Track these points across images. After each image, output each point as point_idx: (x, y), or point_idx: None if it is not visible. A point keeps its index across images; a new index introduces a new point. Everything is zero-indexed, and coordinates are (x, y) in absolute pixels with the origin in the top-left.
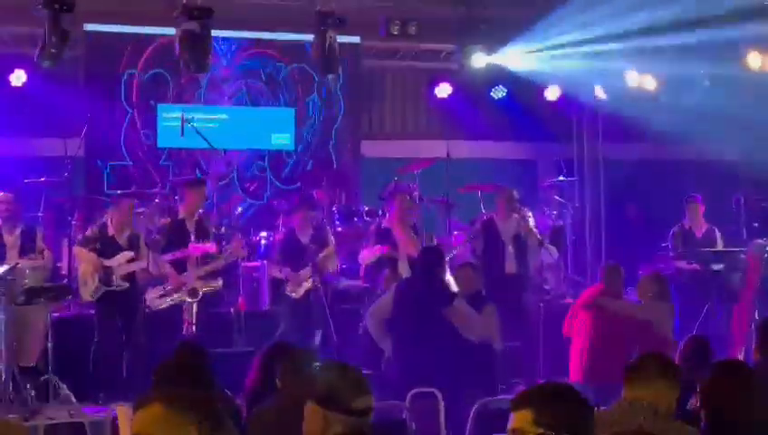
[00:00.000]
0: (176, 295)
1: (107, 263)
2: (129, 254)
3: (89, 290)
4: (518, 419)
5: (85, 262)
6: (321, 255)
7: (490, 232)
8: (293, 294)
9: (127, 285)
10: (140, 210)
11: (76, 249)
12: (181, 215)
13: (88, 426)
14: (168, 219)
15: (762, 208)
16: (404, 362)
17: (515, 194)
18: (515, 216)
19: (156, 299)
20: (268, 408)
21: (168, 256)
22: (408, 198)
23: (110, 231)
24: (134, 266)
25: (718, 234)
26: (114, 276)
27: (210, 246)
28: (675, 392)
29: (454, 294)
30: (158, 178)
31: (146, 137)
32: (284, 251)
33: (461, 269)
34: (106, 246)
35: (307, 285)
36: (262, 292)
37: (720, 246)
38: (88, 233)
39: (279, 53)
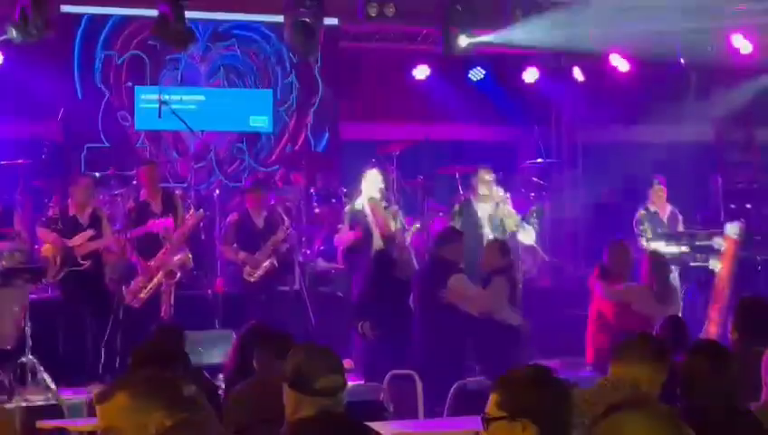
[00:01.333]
0: (154, 281)
1: (68, 243)
2: (89, 232)
3: (52, 271)
4: (489, 402)
5: (47, 242)
6: (273, 237)
7: (467, 213)
8: (251, 278)
9: (88, 263)
10: (118, 192)
11: (39, 230)
12: (143, 197)
13: (65, 408)
14: (133, 203)
15: (739, 190)
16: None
17: (492, 175)
18: (493, 197)
19: (135, 297)
20: (246, 389)
21: (129, 235)
22: (380, 174)
23: (71, 211)
24: (95, 245)
25: (680, 217)
26: (77, 256)
27: (167, 221)
28: (659, 375)
29: (450, 274)
30: (135, 161)
31: (123, 119)
32: (238, 233)
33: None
34: (68, 226)
35: (266, 266)
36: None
37: (681, 228)
38: (49, 213)
39: (257, 34)
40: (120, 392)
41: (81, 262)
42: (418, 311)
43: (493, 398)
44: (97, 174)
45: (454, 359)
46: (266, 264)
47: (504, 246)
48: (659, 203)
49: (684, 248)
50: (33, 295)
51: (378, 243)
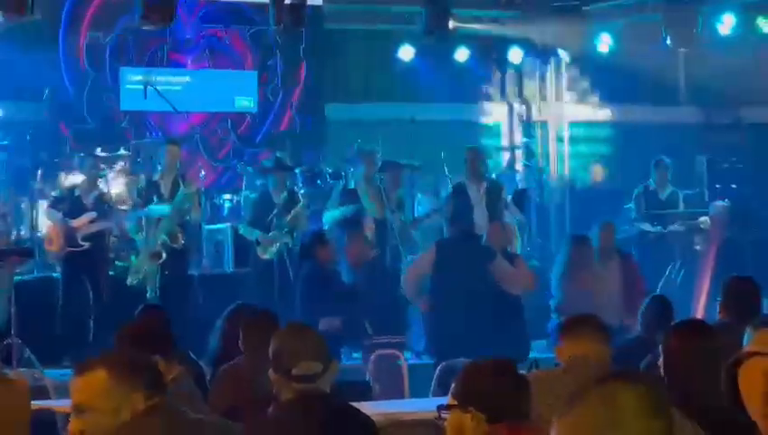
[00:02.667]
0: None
1: (71, 223)
2: (91, 214)
3: (54, 249)
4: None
5: (51, 221)
6: (289, 216)
7: (459, 196)
8: (265, 256)
9: (88, 244)
10: (104, 173)
11: (44, 209)
12: (157, 178)
13: (51, 390)
14: (145, 182)
15: (724, 170)
16: (446, 315)
17: (482, 155)
18: (483, 178)
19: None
20: (233, 370)
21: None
22: (373, 159)
23: (77, 192)
24: (97, 227)
25: (681, 196)
26: (78, 236)
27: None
28: (607, 351)
29: (495, 251)
30: (120, 141)
31: (108, 100)
32: (257, 212)
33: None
34: (73, 207)
35: (277, 245)
36: (226, 254)
37: (682, 208)
38: (56, 194)
39: (242, 15)
40: (100, 369)
41: (82, 243)
42: (471, 284)
43: (452, 387)
44: (82, 154)
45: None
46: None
47: (506, 226)
48: (661, 183)
49: (670, 227)
50: (26, 275)
51: (369, 225)
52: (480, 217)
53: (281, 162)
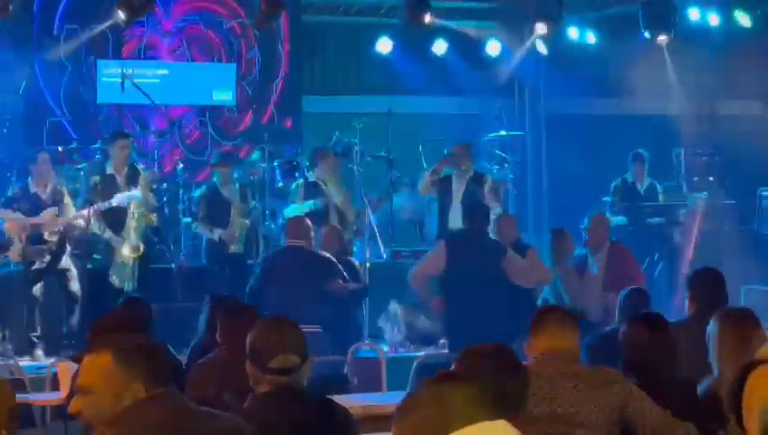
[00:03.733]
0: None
1: (32, 221)
2: (52, 210)
3: (16, 250)
4: None
5: (10, 222)
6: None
7: (444, 190)
8: (237, 250)
9: (56, 239)
10: (81, 166)
11: (0, 212)
12: (110, 171)
13: (28, 382)
14: (98, 177)
15: (701, 162)
16: (462, 314)
17: (469, 148)
18: (468, 171)
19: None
20: (209, 363)
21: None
22: (332, 157)
23: (32, 189)
24: (62, 221)
25: (659, 188)
26: (44, 233)
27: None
28: (572, 340)
29: (506, 246)
30: (97, 135)
31: (85, 93)
32: (209, 207)
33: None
34: (30, 204)
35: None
36: (203, 247)
37: (661, 201)
38: (9, 193)
39: (220, 7)
40: (107, 352)
41: (47, 239)
42: (486, 280)
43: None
44: (60, 148)
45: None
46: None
47: (513, 217)
48: (639, 175)
49: (648, 220)
50: (1, 269)
51: (335, 219)
52: (455, 212)
53: (226, 156)
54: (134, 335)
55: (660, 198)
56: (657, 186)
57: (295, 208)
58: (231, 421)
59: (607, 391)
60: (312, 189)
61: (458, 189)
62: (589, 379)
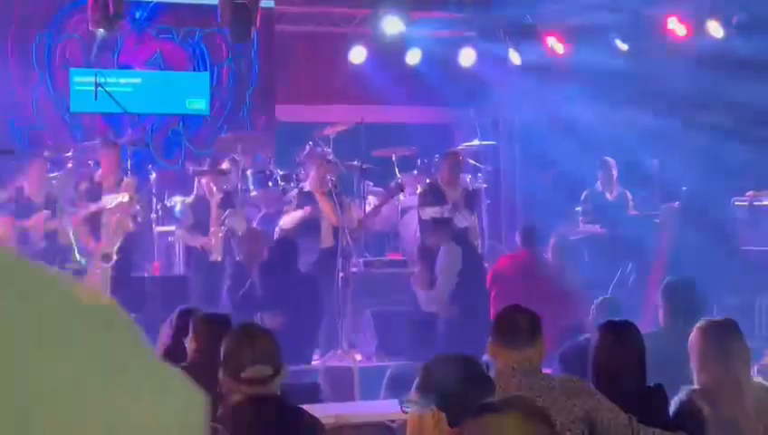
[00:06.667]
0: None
1: (23, 223)
2: (45, 213)
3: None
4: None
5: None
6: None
7: (436, 196)
8: (217, 258)
9: (43, 244)
10: (54, 175)
11: None
12: (98, 178)
13: None
14: (86, 184)
15: (675, 171)
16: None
17: (461, 157)
18: (460, 181)
19: None
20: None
21: (83, 212)
22: (325, 161)
23: (26, 192)
24: (52, 225)
25: (630, 196)
26: (33, 236)
27: (124, 195)
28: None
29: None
30: (71, 143)
31: (58, 101)
32: (196, 216)
33: None
34: (22, 208)
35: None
36: (176, 256)
37: (631, 210)
38: (3, 196)
39: (194, 16)
40: None
41: (38, 242)
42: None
43: (415, 383)
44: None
45: None
46: (220, 244)
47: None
48: (608, 184)
49: (618, 229)
50: None
51: (327, 232)
52: (461, 221)
53: (214, 164)
54: None
55: (631, 205)
56: (628, 194)
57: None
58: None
59: (573, 402)
60: (306, 199)
61: (457, 198)
62: (553, 391)
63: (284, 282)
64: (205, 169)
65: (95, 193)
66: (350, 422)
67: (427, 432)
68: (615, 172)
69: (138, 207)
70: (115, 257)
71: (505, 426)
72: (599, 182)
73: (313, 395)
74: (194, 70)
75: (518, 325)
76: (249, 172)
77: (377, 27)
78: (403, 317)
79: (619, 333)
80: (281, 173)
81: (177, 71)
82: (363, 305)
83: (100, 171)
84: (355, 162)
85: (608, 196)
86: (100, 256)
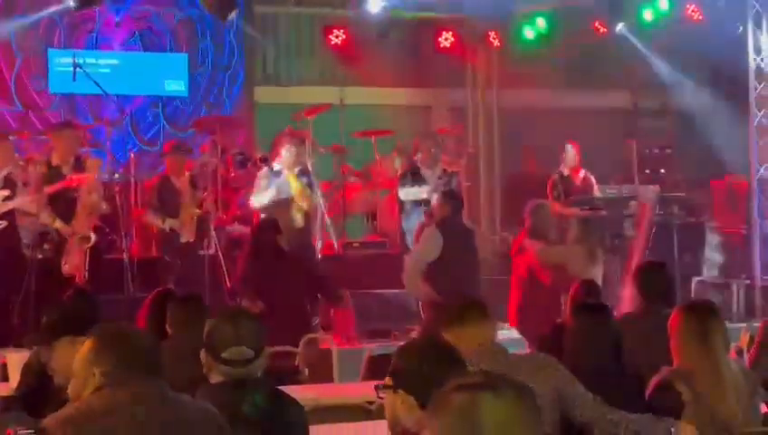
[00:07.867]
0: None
1: None
2: (3, 192)
3: None
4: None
5: None
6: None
7: (416, 178)
8: (189, 239)
9: (4, 223)
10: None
11: None
12: (55, 162)
13: None
14: (45, 168)
15: (653, 155)
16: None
17: (439, 140)
18: (440, 163)
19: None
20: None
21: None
22: (295, 144)
23: None
24: (11, 205)
25: (593, 179)
26: None
27: (89, 176)
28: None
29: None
30: (49, 124)
31: (37, 82)
32: (161, 197)
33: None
34: None
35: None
36: (154, 238)
37: (596, 192)
38: None
39: None
40: (92, 337)
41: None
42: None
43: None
44: (11, 138)
45: None
46: (192, 225)
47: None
48: (572, 166)
49: (598, 213)
50: None
51: (297, 215)
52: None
53: (176, 145)
54: (83, 329)
55: (595, 187)
56: (591, 178)
57: (258, 199)
58: (202, 412)
59: (537, 378)
60: (276, 177)
61: (435, 180)
62: (517, 369)
63: (275, 264)
64: (169, 151)
65: (55, 176)
66: (329, 404)
67: (402, 416)
68: (577, 155)
69: (102, 188)
70: (93, 239)
71: (500, 404)
72: (563, 165)
73: (293, 377)
74: (172, 51)
75: (477, 308)
76: (228, 154)
77: (357, 8)
78: (382, 299)
79: (593, 315)
80: (260, 155)
81: (155, 52)
82: (342, 287)
83: (55, 154)
84: (333, 144)
85: (575, 179)
86: (78, 238)
